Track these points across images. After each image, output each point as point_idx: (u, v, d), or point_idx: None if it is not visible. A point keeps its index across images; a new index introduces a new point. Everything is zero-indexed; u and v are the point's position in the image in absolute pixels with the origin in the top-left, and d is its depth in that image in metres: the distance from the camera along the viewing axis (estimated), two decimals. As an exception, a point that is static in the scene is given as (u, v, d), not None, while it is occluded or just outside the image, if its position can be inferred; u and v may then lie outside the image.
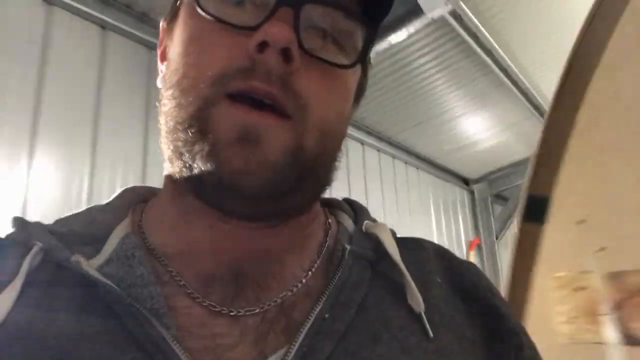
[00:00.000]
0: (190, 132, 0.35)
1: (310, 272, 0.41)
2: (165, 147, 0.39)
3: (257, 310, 0.37)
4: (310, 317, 0.37)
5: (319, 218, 0.46)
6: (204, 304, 0.37)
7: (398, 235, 0.48)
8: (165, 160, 0.41)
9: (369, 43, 0.40)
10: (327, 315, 0.37)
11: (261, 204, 0.37)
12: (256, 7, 0.37)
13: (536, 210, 0.84)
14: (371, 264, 0.42)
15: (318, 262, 0.42)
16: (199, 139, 0.35)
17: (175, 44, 0.40)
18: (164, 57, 0.44)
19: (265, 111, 0.35)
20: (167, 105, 0.38)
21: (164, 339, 0.33)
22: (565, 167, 0.81)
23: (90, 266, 0.36)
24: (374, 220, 0.47)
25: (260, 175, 0.35)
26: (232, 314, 0.37)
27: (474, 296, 0.44)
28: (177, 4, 0.42)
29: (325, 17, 0.38)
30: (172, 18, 0.42)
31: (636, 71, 0.78)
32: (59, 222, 0.42)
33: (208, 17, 0.36)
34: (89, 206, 0.45)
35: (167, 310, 0.35)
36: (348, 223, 0.47)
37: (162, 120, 0.39)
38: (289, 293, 0.39)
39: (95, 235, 0.40)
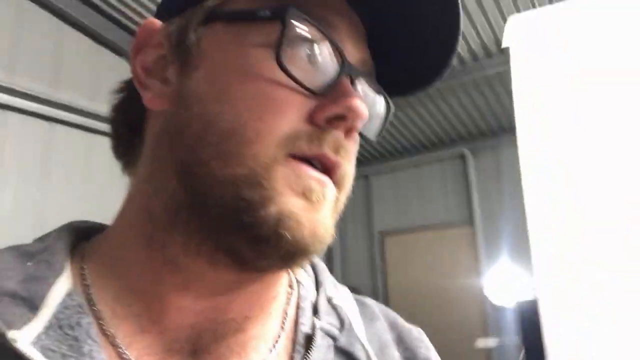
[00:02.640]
0: (253, 192, 0.33)
1: (273, 349, 0.39)
2: (185, 196, 0.35)
3: None
4: None
5: (284, 275, 0.44)
6: None
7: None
8: (153, 212, 0.37)
9: (390, 114, 0.43)
10: None
11: (306, 258, 0.37)
12: (316, 65, 0.36)
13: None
14: (334, 340, 0.41)
15: (282, 336, 0.40)
16: (268, 202, 0.33)
17: (219, 80, 0.36)
18: (150, 71, 0.39)
19: (327, 174, 0.36)
20: (202, 147, 0.34)
21: None
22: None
23: (27, 337, 0.31)
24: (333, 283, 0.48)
25: (320, 238, 0.35)
26: None
27: None
28: (209, 22, 0.37)
29: (366, 89, 0.40)
30: (199, 35, 0.37)
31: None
32: None
33: (282, 74, 0.34)
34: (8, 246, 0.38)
35: None
36: (308, 284, 0.46)
37: (176, 158, 0.36)
38: None
39: (37, 294, 0.34)
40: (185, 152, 0.35)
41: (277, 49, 0.34)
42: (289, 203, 0.33)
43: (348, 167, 0.38)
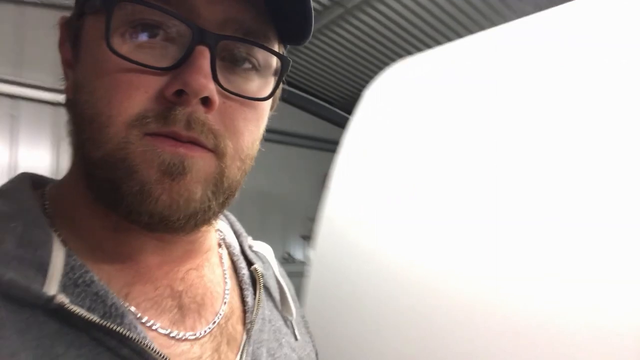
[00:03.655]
0: (113, 172, 0.35)
1: (226, 289, 0.47)
2: (89, 173, 0.38)
3: (205, 331, 0.42)
4: (250, 332, 0.44)
5: (212, 229, 0.49)
6: (158, 330, 0.39)
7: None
8: (79, 173, 0.39)
9: (285, 68, 0.41)
10: (256, 328, 0.45)
11: (187, 228, 0.39)
12: (170, 40, 0.36)
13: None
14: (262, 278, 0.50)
15: (228, 280, 0.48)
16: (127, 178, 0.35)
17: (85, 71, 0.38)
18: (69, 63, 0.41)
19: (188, 144, 0.36)
20: (80, 133, 0.38)
21: None
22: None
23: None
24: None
25: (185, 207, 0.36)
26: (190, 337, 0.40)
27: (295, 297, 0.57)
28: (81, 16, 0.39)
29: (241, 49, 0.39)
30: (77, 30, 0.40)
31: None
32: None
33: (120, 58, 0.35)
34: None
35: (151, 341, 0.36)
36: (230, 235, 0.53)
37: (75, 140, 0.39)
38: (221, 312, 0.44)
39: (43, 258, 0.35)
40: (76, 137, 0.39)
41: (106, 37, 0.34)
42: (144, 179, 0.35)
43: (223, 139, 0.37)
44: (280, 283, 0.52)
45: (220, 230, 0.52)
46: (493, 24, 2.57)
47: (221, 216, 0.53)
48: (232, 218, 0.56)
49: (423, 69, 1.20)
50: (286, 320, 0.52)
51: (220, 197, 0.39)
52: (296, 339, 0.52)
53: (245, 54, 0.39)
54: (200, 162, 0.36)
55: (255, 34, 0.38)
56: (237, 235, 0.54)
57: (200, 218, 0.38)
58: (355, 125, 1.24)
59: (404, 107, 1.14)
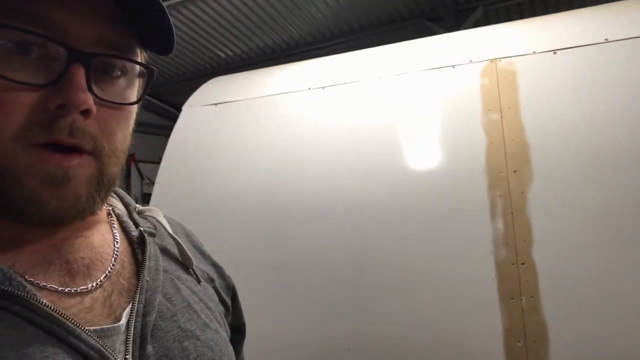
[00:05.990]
0: (2, 180, 0.39)
1: (116, 249, 0.50)
2: None
3: (95, 285, 0.45)
4: (141, 281, 0.47)
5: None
6: (48, 288, 0.42)
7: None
8: None
9: (152, 75, 0.47)
10: (148, 279, 0.48)
11: (75, 221, 0.44)
12: (46, 59, 0.39)
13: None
14: (153, 237, 0.54)
15: (119, 242, 0.51)
16: (15, 186, 0.39)
17: None
18: None
19: (70, 154, 0.40)
20: None
21: (53, 315, 0.39)
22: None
23: None
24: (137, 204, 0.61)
25: (74, 208, 0.42)
26: (82, 291, 0.44)
27: (202, 252, 0.65)
28: None
29: (113, 62, 0.44)
30: None
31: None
32: None
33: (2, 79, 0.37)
34: None
35: (40, 297, 0.40)
36: (119, 206, 0.58)
37: None
38: (110, 267, 0.47)
39: None
40: None
41: None
42: (31, 187, 0.38)
43: (100, 142, 0.42)
44: (175, 238, 0.56)
45: (110, 203, 0.57)
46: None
47: (111, 194, 0.58)
48: (122, 193, 0.60)
49: (231, 89, 1.67)
50: (188, 269, 0.57)
51: (103, 191, 0.45)
52: (199, 282, 0.57)
53: (114, 65, 0.44)
54: (82, 170, 0.41)
55: (122, 48, 0.44)
56: (126, 206, 0.58)
57: (87, 212, 0.44)
58: (175, 137, 1.66)
59: (216, 122, 1.58)
